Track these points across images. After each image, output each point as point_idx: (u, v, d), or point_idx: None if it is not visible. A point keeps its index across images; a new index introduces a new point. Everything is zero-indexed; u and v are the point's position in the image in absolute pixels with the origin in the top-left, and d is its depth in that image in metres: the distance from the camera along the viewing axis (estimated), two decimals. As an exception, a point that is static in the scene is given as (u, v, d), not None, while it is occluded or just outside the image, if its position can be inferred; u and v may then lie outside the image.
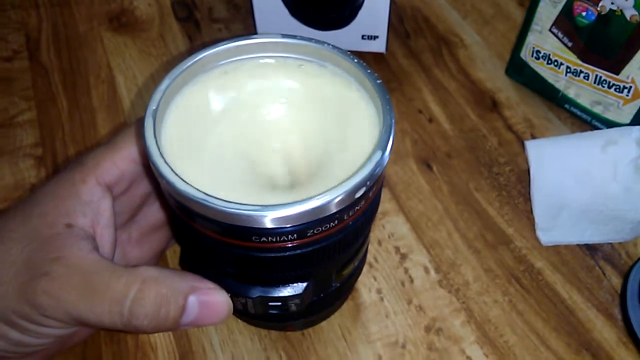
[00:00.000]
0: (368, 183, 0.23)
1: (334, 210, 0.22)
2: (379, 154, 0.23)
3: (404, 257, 0.37)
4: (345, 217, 0.23)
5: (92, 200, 0.27)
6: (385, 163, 0.24)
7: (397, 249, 0.37)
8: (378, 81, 0.26)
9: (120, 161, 0.28)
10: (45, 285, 0.24)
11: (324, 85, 0.28)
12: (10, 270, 0.25)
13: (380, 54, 0.49)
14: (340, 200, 0.22)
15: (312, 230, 0.23)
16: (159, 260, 0.35)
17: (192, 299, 0.25)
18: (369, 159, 0.23)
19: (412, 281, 0.36)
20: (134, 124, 0.29)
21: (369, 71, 0.26)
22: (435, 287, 0.36)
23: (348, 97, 0.27)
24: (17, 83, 0.47)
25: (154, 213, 0.32)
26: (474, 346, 0.33)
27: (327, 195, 0.22)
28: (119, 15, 0.53)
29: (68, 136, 0.43)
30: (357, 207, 0.24)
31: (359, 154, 0.25)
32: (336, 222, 0.23)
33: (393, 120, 0.24)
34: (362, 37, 0.47)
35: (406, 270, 0.36)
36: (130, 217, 0.31)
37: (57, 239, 0.25)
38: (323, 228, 0.23)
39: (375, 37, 0.47)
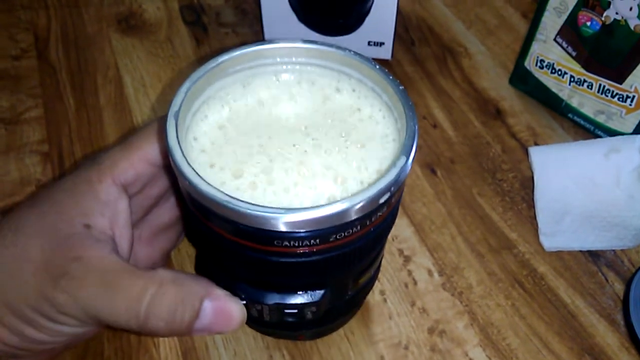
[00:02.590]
0: (392, 189, 0.23)
1: (357, 215, 0.22)
2: (403, 159, 0.23)
3: (407, 259, 0.37)
4: (368, 223, 0.23)
5: (109, 200, 0.27)
6: (409, 169, 0.23)
7: (401, 251, 0.37)
8: (401, 87, 0.26)
9: (137, 162, 0.28)
10: (64, 284, 0.24)
11: (343, 90, 0.28)
12: (30, 268, 0.24)
13: (386, 60, 0.49)
14: (364, 205, 0.22)
15: (334, 236, 0.22)
16: (167, 259, 0.35)
17: (207, 304, 0.25)
18: (392, 164, 0.23)
19: (415, 283, 0.36)
20: (150, 124, 0.29)
21: (391, 77, 0.26)
22: (439, 290, 0.36)
23: (367, 104, 0.27)
24: (25, 81, 0.47)
25: (166, 212, 0.32)
26: (477, 349, 0.33)
27: (351, 199, 0.21)
28: (128, 17, 0.53)
29: (74, 133, 0.43)
30: (379, 213, 0.23)
31: (376, 161, 0.25)
32: (359, 227, 0.23)
33: (416, 127, 0.24)
34: (369, 43, 0.48)
35: (410, 273, 0.36)
36: (142, 217, 0.31)
37: (77, 239, 0.25)
38: (345, 233, 0.23)
39: (381, 44, 0.48)
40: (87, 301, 0.24)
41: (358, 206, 0.22)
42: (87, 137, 0.43)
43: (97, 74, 0.48)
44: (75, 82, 0.47)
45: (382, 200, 0.22)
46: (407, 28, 0.54)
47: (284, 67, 0.29)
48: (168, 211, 0.32)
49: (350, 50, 0.28)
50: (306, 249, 0.23)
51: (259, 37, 0.51)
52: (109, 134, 0.44)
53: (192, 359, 0.32)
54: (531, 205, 0.40)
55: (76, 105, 0.46)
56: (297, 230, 0.22)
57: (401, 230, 0.38)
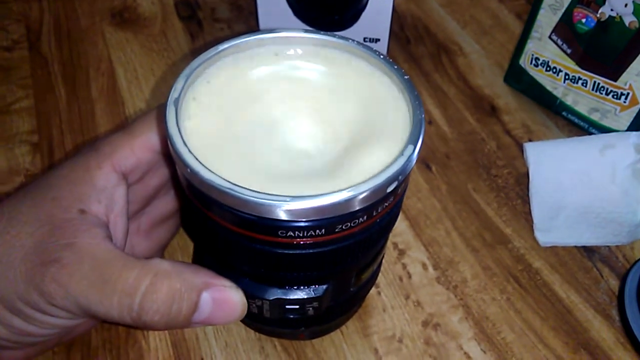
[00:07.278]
0: (400, 177, 0.22)
1: (365, 204, 0.21)
2: (410, 148, 0.22)
3: (402, 253, 0.37)
4: (374, 214, 0.23)
5: (107, 187, 0.26)
6: (416, 158, 0.23)
7: (396, 244, 0.37)
8: (406, 77, 0.25)
9: (137, 148, 0.27)
10: (54, 273, 0.23)
11: (353, 77, 0.27)
12: (19, 254, 0.23)
13: (381, 57, 0.49)
14: (372, 193, 0.21)
15: (340, 226, 0.22)
16: (163, 251, 0.35)
17: (206, 296, 0.24)
18: (401, 153, 0.22)
19: (410, 277, 0.35)
20: (152, 110, 0.28)
21: (395, 67, 0.26)
22: (433, 284, 0.35)
23: (377, 90, 0.27)
24: (16, 72, 0.47)
25: (165, 204, 0.31)
26: (471, 342, 0.33)
27: (359, 187, 0.21)
28: (122, 11, 0.53)
29: (65, 124, 0.43)
30: (386, 204, 0.23)
31: (389, 147, 0.24)
32: (365, 217, 0.22)
33: (423, 116, 0.24)
34: (364, 39, 0.47)
35: (404, 266, 0.36)
36: (141, 208, 0.30)
37: (70, 225, 0.24)
38: (352, 224, 0.22)
39: (376, 40, 0.47)
40: (78, 292, 0.23)
41: (365, 194, 0.21)
42: (78, 128, 0.43)
43: (90, 66, 0.48)
44: (67, 74, 0.47)
45: (389, 190, 0.22)
46: (402, 26, 0.54)
47: (287, 52, 0.28)
48: (168, 203, 0.31)
49: (353, 40, 0.27)
50: (311, 240, 0.22)
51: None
52: (101, 125, 0.43)
53: (182, 349, 0.32)
54: (526, 201, 0.40)
55: (67, 96, 0.45)
56: (301, 219, 0.21)
57: (396, 224, 0.38)
